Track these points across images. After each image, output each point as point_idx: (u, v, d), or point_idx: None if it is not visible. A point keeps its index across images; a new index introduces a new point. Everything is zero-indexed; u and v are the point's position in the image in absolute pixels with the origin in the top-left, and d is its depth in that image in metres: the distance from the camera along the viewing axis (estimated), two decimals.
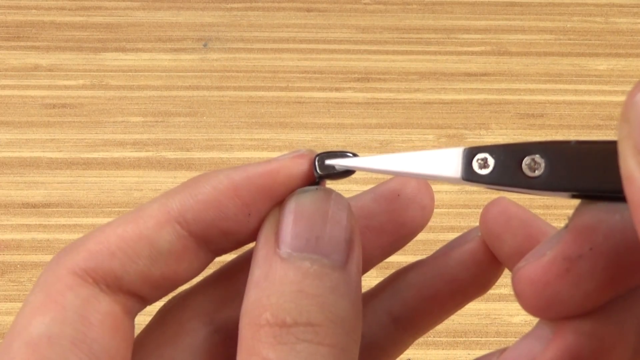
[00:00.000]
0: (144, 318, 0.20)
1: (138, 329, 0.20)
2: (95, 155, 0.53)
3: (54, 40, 0.59)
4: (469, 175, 0.17)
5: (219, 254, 0.20)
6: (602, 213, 0.17)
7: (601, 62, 0.59)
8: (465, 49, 0.59)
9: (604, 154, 0.16)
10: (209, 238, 0.19)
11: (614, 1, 0.62)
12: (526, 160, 0.17)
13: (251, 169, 0.19)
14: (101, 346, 0.18)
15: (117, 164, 0.52)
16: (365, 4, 0.62)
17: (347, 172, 0.19)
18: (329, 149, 0.20)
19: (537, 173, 0.17)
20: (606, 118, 0.56)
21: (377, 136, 0.54)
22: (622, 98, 0.56)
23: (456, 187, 0.50)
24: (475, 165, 0.17)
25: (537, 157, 0.17)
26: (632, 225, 0.14)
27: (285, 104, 0.56)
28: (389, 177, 0.21)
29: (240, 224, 0.19)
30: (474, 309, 0.46)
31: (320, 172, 0.19)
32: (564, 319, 0.17)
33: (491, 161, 0.17)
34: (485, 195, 0.53)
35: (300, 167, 0.19)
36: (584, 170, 0.16)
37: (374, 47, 0.59)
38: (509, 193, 0.18)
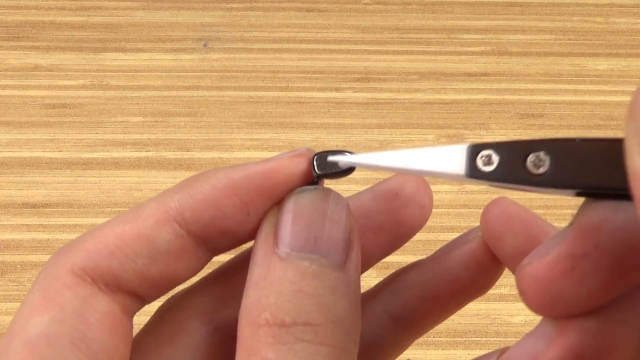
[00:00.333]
0: (143, 318, 0.20)
1: (137, 329, 0.20)
2: (95, 155, 0.53)
3: (54, 40, 0.59)
4: (473, 173, 0.17)
5: (217, 253, 0.20)
6: (607, 211, 0.17)
7: (601, 62, 0.59)
8: (465, 49, 0.59)
9: (609, 151, 0.16)
10: (208, 237, 0.19)
11: (614, 1, 0.62)
12: (531, 158, 0.17)
13: (250, 168, 0.19)
14: (100, 345, 0.18)
15: (117, 164, 0.52)
16: (365, 4, 0.62)
17: (346, 172, 0.19)
18: (329, 149, 0.20)
19: (541, 170, 0.17)
20: (606, 118, 0.55)
21: (377, 136, 0.54)
22: (622, 98, 0.56)
23: (456, 187, 0.50)
24: (479, 162, 0.17)
25: (542, 154, 0.17)
26: (638, 223, 0.14)
27: (285, 104, 0.56)
28: (388, 175, 0.21)
29: (239, 223, 0.19)
30: (474, 309, 0.46)
31: (318, 172, 0.19)
32: (567, 317, 0.17)
33: (495, 158, 0.17)
34: (485, 195, 0.53)
35: (298, 166, 0.19)
36: (589, 167, 0.16)
37: (374, 47, 0.59)
38: (510, 192, 0.18)
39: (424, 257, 0.22)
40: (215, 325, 0.20)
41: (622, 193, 0.15)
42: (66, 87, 0.56)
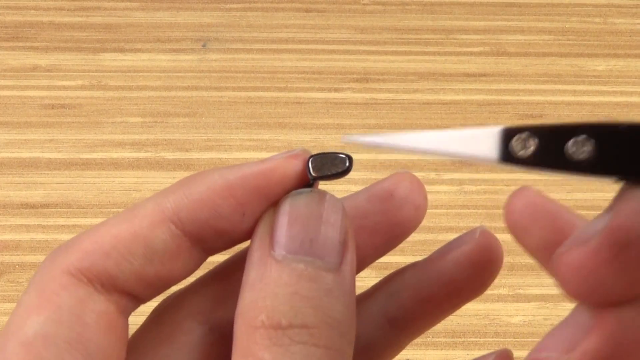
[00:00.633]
0: (138, 318, 0.20)
1: (132, 329, 0.20)
2: (94, 155, 0.53)
3: (53, 40, 0.59)
4: (507, 157, 0.16)
5: (213, 253, 0.20)
6: None
7: (600, 63, 0.59)
8: (464, 49, 0.59)
9: None
10: (203, 237, 0.19)
11: (613, 2, 0.62)
12: (571, 142, 0.16)
13: (245, 169, 0.19)
14: (96, 346, 0.18)
15: (116, 165, 0.52)
16: (364, 4, 0.62)
17: (341, 173, 0.19)
18: (327, 150, 0.20)
19: (583, 156, 0.16)
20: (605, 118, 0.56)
21: None
22: (620, 98, 0.56)
23: (455, 188, 0.50)
24: (514, 146, 0.16)
25: (584, 139, 0.16)
26: None
27: (284, 105, 0.56)
28: (387, 176, 0.21)
29: (235, 224, 0.19)
30: (473, 309, 0.46)
31: (314, 174, 0.19)
32: (605, 306, 0.17)
33: (532, 142, 0.16)
34: (484, 195, 0.53)
35: (294, 167, 0.19)
36: (635, 154, 0.16)
37: (373, 48, 0.59)
38: (541, 177, 0.17)
39: (423, 257, 0.22)
40: (211, 325, 0.20)
41: None
42: (65, 88, 0.56)
